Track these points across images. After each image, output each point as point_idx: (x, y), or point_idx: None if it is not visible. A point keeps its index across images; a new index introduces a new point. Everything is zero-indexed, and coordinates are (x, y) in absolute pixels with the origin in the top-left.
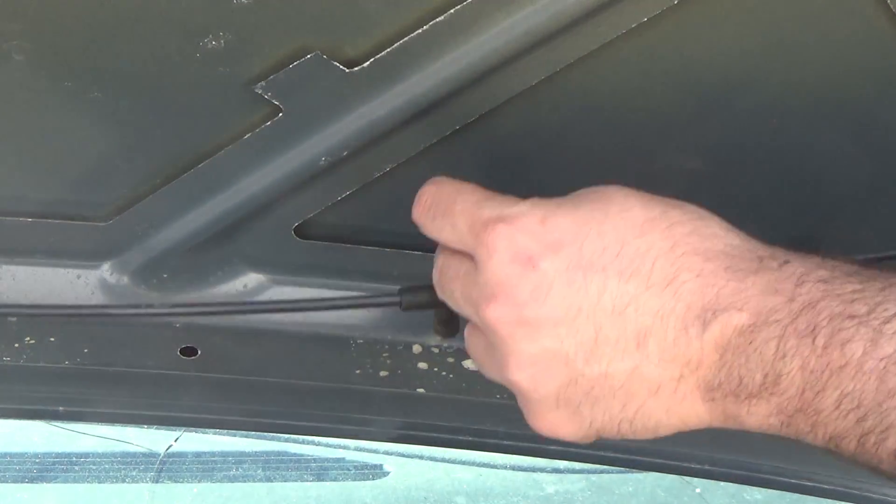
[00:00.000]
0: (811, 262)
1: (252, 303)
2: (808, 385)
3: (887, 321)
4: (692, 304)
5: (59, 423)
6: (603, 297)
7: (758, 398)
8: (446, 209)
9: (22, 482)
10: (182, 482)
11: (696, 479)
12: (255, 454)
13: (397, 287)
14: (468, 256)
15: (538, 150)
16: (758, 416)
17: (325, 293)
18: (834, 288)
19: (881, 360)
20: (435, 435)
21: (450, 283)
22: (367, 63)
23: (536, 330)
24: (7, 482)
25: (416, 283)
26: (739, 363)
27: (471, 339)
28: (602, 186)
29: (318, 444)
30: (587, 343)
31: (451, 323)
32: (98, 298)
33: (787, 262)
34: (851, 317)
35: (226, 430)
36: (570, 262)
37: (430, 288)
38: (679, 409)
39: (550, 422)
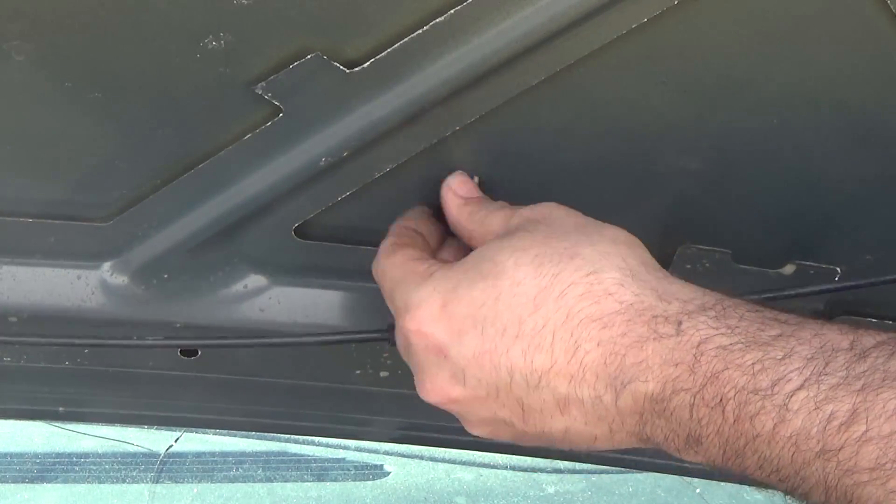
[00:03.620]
0: (708, 325)
1: (243, 339)
2: (729, 446)
3: (790, 395)
4: (599, 373)
5: (59, 423)
6: (514, 375)
7: (686, 451)
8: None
9: (22, 482)
10: (182, 482)
11: (696, 479)
12: (255, 454)
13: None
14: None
15: (538, 150)
16: (695, 459)
17: (324, 294)
18: (734, 357)
19: (791, 435)
20: (435, 435)
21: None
22: (367, 64)
23: (468, 406)
24: (7, 482)
25: None
26: (661, 424)
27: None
28: (495, 249)
29: (318, 444)
30: (517, 412)
31: None
32: (98, 299)
33: (680, 324)
34: (756, 391)
35: (226, 430)
36: (474, 348)
37: None
38: (622, 443)
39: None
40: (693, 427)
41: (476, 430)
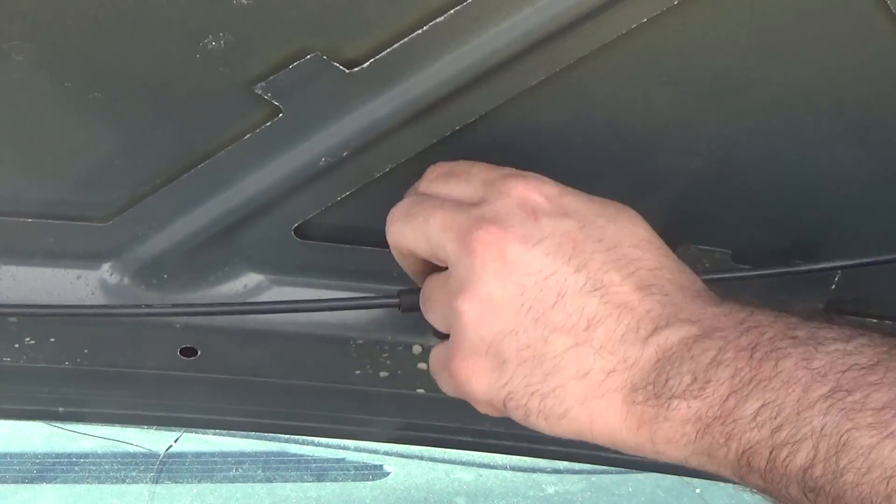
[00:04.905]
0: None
1: (250, 303)
2: (734, 392)
3: (822, 342)
4: (652, 310)
5: (58, 424)
6: (579, 274)
7: (680, 399)
8: (462, 171)
9: (22, 482)
10: (182, 482)
11: (696, 480)
12: (255, 454)
13: (397, 289)
14: (467, 205)
15: (538, 150)
16: (674, 421)
17: (324, 294)
18: (781, 317)
19: (810, 370)
20: (435, 435)
21: (435, 210)
22: (367, 63)
23: (510, 271)
24: (7, 482)
25: (415, 287)
26: (672, 367)
27: (433, 276)
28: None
29: (318, 444)
30: (545, 303)
31: None
32: (98, 299)
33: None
34: (792, 337)
35: (226, 431)
36: (568, 232)
37: None
38: (595, 403)
39: (469, 367)
40: (708, 370)
41: (471, 303)
